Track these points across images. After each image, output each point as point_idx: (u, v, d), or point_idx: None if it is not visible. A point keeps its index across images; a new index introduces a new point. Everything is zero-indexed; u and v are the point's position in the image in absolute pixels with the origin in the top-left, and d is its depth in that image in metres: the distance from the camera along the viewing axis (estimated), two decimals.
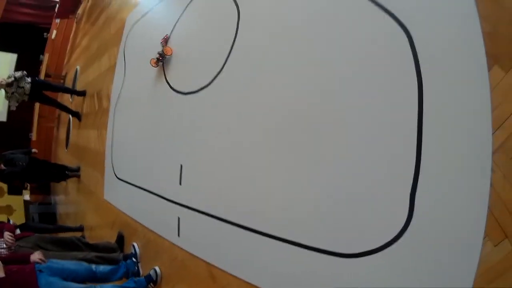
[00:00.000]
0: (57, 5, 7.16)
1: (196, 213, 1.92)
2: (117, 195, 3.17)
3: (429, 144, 1.08)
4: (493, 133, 1.02)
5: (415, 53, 1.14)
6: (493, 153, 1.01)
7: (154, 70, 2.64)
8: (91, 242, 2.97)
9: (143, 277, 2.28)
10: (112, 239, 2.97)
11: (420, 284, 1.06)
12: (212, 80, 1.95)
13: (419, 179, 1.10)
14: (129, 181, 2.86)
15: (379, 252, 1.15)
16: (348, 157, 1.27)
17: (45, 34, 8.20)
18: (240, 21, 1.86)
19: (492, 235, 1.01)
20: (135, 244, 2.60)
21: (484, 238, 1.00)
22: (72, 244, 2.71)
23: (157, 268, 2.26)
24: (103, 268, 2.31)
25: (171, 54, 2.47)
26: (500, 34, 1.04)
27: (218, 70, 1.92)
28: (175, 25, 2.54)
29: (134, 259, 2.49)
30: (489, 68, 1.04)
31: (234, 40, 1.86)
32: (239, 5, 1.90)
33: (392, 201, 1.14)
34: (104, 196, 3.41)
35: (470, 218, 1.01)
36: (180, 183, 2.06)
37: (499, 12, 1.05)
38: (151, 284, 2.23)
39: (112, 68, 3.76)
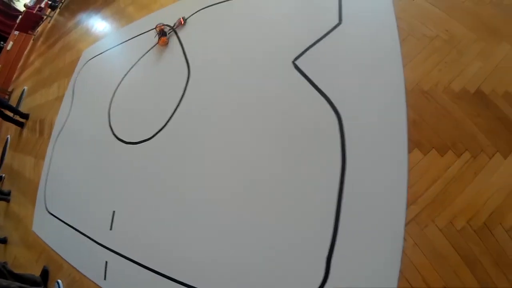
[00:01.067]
0: (20, 17, 6.91)
1: (123, 259, 1.97)
2: (46, 229, 3.05)
3: (347, 214, 1.29)
4: (407, 207, 1.26)
5: (342, 133, 1.39)
6: (406, 224, 1.25)
7: (101, 111, 2.73)
8: (15, 271, 2.82)
9: None
10: (36, 272, 2.86)
11: None
12: (154, 135, 2.08)
13: (335, 244, 1.28)
14: (60, 217, 2.81)
15: None
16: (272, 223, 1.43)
17: (1, 42, 7.84)
18: (189, 83, 2.06)
19: None
20: (60, 282, 2.54)
21: None
22: None
23: (59, 281, 2.24)
24: None
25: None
26: (424, 122, 1.31)
27: (162, 125, 2.06)
28: (129, 70, 2.68)
29: None
30: (410, 151, 1.29)
31: (181, 99, 2.04)
32: (190, 68, 2.11)
33: (309, 264, 1.31)
34: (33, 228, 3.27)
35: (382, 280, 1.19)
36: (111, 228, 2.10)
37: (426, 103, 1.32)
38: None
39: (59, 99, 3.74)
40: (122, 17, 3.46)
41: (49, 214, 3.02)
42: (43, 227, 3.12)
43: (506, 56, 1.33)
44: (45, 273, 2.78)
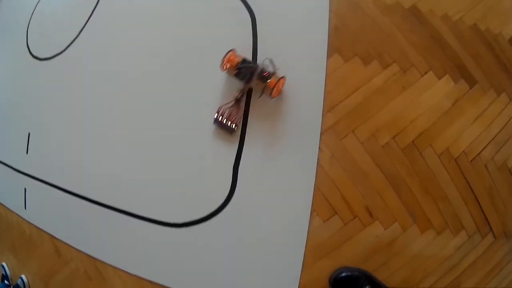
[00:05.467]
0: None
1: (43, 184, 1.85)
2: None
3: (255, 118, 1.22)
4: (324, 114, 1.18)
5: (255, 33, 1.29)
6: (322, 133, 1.17)
7: (17, 33, 2.37)
8: None
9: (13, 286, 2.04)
10: None
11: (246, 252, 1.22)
12: (66, 48, 1.87)
13: (242, 152, 1.24)
14: None
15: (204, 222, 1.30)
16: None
17: None
18: None
19: (321, 210, 1.15)
20: (4, 264, 2.27)
21: (312, 213, 1.15)
22: None
23: (23, 277, 2.04)
24: None
25: None
26: (348, 30, 1.22)
27: (74, 37, 1.85)
28: None
29: (6, 282, 2.17)
30: (329, 56, 1.20)
31: (95, 8, 1.82)
32: None
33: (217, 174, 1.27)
34: None
35: (295, 194, 1.16)
36: (27, 152, 1.95)
37: (352, 12, 1.22)
38: None
39: None
40: None
41: None
42: None
43: None
44: None
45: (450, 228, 1.19)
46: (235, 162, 1.27)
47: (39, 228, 1.92)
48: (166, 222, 1.40)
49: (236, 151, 1.27)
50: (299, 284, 1.18)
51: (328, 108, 1.20)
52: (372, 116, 1.22)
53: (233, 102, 1.24)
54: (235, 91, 1.24)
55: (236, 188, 1.26)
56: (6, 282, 2.13)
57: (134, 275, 1.47)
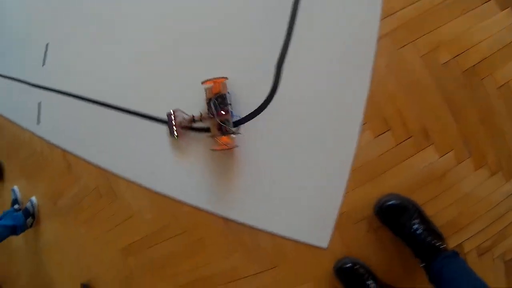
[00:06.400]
0: None
1: (58, 95, 1.78)
2: None
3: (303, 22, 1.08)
4: (381, 19, 1.02)
5: None
6: (380, 38, 1.02)
7: None
8: None
9: (21, 211, 2.03)
10: None
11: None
12: None
13: (288, 49, 1.09)
14: None
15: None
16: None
17: None
18: None
19: (373, 123, 1.02)
20: (16, 188, 2.25)
21: (363, 125, 1.02)
22: None
23: (33, 199, 2.05)
24: None
25: None
26: None
27: None
28: None
29: (16, 206, 2.12)
30: None
31: None
32: None
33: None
34: None
35: (347, 99, 1.02)
36: (44, 64, 1.88)
37: None
38: (30, 218, 2.01)
39: None
40: None
41: None
42: None
43: None
44: None
45: (504, 171, 1.05)
46: (279, 59, 1.12)
47: (51, 144, 1.86)
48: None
49: (281, 48, 1.12)
50: (339, 212, 1.07)
51: (387, 13, 1.05)
52: (434, 30, 1.06)
53: (188, 118, 1.22)
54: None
55: (279, 89, 1.12)
56: (16, 206, 2.09)
57: (148, 189, 1.38)
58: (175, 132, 1.24)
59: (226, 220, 1.23)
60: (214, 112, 1.12)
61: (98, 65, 1.60)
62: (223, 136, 1.13)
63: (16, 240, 2.12)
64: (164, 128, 1.32)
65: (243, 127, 1.18)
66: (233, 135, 1.14)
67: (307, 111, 1.09)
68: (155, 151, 1.36)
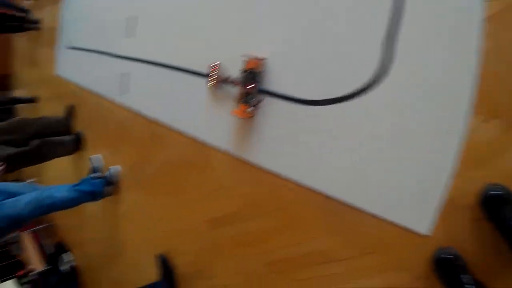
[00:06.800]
0: None
1: (148, 66, 1.83)
2: (67, 67, 2.99)
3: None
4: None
5: None
6: (485, 20, 0.90)
7: None
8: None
9: (101, 179, 2.05)
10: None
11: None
12: None
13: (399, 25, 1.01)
14: (81, 47, 2.67)
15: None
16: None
17: None
18: None
19: (483, 108, 0.92)
20: (97, 157, 2.30)
21: (473, 109, 0.92)
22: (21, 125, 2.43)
23: (113, 168, 2.07)
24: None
25: None
26: None
27: None
28: None
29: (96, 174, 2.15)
30: None
31: None
32: None
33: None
34: (57, 71, 3.15)
35: (456, 84, 0.94)
36: (134, 36, 1.96)
37: None
38: (110, 186, 2.05)
39: None
40: None
41: (70, 51, 2.90)
42: (65, 67, 3.03)
43: None
44: (69, 112, 2.70)
45: None
46: (388, 35, 1.03)
47: (136, 112, 1.92)
48: (297, 98, 1.20)
49: (387, 24, 1.03)
50: (443, 199, 0.97)
51: None
52: None
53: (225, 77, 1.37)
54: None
55: (384, 67, 1.03)
56: (95, 174, 2.12)
57: (243, 160, 1.34)
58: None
59: (327, 197, 1.15)
60: (242, 83, 1.26)
61: (185, 37, 1.64)
62: (242, 104, 1.27)
63: (91, 207, 2.17)
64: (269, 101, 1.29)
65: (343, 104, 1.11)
66: (251, 108, 1.27)
67: (415, 94, 1.01)
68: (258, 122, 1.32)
